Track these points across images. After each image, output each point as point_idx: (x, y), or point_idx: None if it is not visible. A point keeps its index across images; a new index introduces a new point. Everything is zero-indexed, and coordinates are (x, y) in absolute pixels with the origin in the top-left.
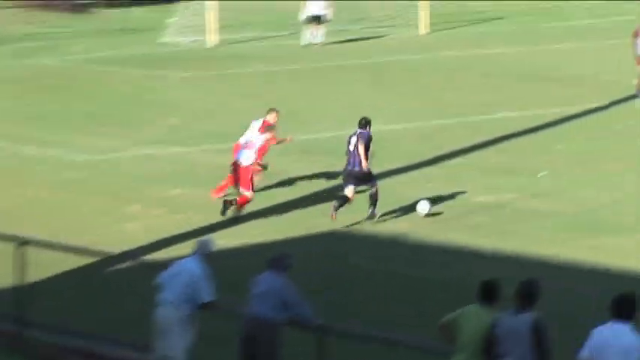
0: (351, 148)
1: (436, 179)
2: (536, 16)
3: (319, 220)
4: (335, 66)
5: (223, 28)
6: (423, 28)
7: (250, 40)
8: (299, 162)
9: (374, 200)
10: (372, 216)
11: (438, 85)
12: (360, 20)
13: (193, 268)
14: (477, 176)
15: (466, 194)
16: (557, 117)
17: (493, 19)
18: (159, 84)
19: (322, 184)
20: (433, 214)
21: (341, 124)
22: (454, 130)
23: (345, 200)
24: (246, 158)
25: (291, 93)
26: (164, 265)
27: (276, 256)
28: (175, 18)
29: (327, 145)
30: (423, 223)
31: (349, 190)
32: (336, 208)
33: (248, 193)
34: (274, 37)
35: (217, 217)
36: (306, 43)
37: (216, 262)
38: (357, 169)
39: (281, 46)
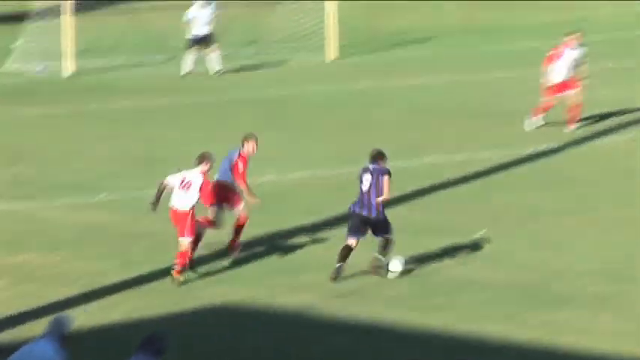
0: (365, 188)
1: None
2: (473, 36)
3: (205, 290)
4: (223, 100)
5: (83, 52)
6: (332, 52)
7: (116, 67)
8: None
9: (390, 249)
10: (381, 266)
11: (351, 123)
12: (252, 43)
13: (46, 351)
14: (399, 236)
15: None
16: (497, 162)
17: (419, 41)
18: None
19: (210, 246)
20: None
21: None
22: None
23: (348, 252)
24: (183, 201)
25: (169, 134)
26: (9, 349)
27: (147, 338)
28: (21, 40)
29: None
30: (332, 293)
31: (354, 241)
32: (340, 268)
33: (185, 240)
34: (147, 64)
35: (75, 289)
36: (188, 71)
37: (75, 344)
38: (373, 216)
39: (155, 76)
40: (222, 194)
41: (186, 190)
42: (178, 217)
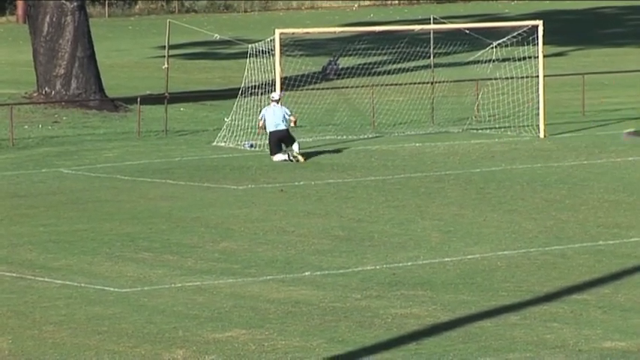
0: None
1: None
2: None
3: None
4: (432, 177)
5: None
6: (542, 129)
7: (324, 143)
8: None
9: None
10: None
11: (558, 201)
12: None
13: None
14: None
15: None
16: None
17: (630, 118)
18: None
19: None
20: None
21: None
22: None
23: None
24: None
25: (375, 211)
26: None
27: None
28: (231, 116)
29: None
30: None
31: None
32: None
33: None
34: (355, 141)
35: None
36: None
37: None
38: None
39: (361, 153)
40: None
41: None
42: None
